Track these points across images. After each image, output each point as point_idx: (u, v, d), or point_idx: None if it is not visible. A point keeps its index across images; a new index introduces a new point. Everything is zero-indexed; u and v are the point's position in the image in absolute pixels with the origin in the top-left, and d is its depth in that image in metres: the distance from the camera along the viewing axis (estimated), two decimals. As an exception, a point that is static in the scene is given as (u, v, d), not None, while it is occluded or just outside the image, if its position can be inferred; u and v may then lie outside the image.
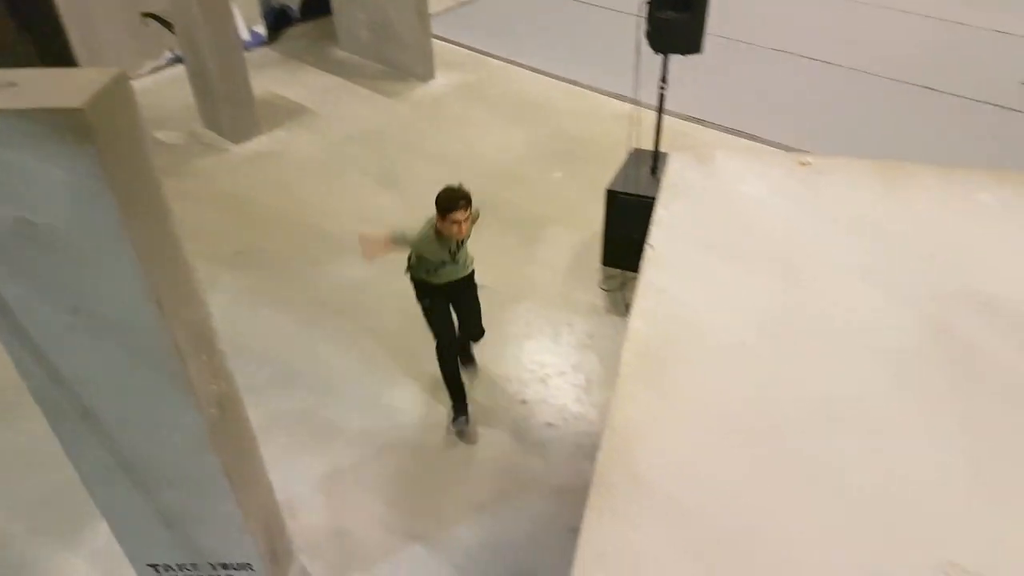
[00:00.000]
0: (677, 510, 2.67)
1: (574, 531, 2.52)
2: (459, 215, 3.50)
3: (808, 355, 3.29)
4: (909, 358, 3.29)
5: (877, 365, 3.25)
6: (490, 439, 4.04)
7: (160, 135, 6.87)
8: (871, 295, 3.63)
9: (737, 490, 2.70)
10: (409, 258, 3.86)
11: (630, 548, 2.46)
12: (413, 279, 3.91)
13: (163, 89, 7.55)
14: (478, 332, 4.20)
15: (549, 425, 4.11)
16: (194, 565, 3.09)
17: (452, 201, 3.49)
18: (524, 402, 4.25)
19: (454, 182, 3.60)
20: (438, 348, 3.99)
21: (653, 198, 4.32)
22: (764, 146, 6.37)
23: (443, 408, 4.21)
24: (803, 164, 4.51)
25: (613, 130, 6.08)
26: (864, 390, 3.12)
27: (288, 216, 5.86)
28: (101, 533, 3.35)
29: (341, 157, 6.64)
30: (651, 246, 3.86)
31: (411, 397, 4.30)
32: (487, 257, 5.32)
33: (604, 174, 5.00)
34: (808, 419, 2.98)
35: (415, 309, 5.01)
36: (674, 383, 3.03)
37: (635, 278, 3.84)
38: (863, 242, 4.04)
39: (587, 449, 3.90)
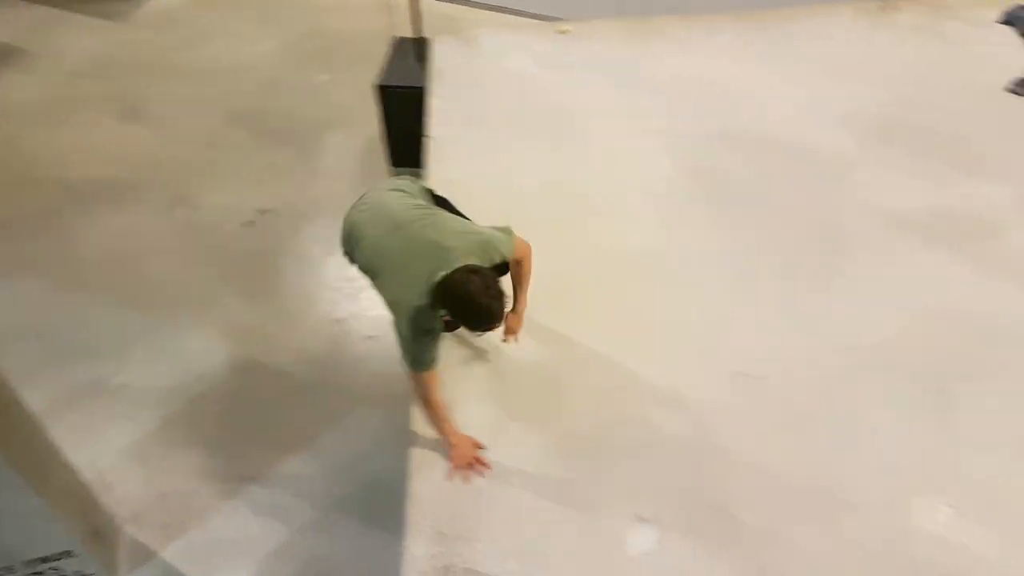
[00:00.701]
0: (508, 386, 2.87)
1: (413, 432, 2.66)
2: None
3: (596, 215, 3.55)
4: (676, 199, 3.65)
5: (652, 210, 3.59)
6: (311, 364, 4.02)
7: None
8: (639, 147, 3.95)
9: (555, 350, 2.95)
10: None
11: (462, 428, 2.63)
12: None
13: None
14: None
15: (369, 338, 4.15)
16: (8, 568, 2.90)
17: (483, 320, 2.26)
18: (339, 321, 4.24)
19: (478, 281, 2.23)
20: None
21: (424, 87, 4.33)
22: (523, 19, 6.49)
23: (248, 347, 4.11)
24: (562, 32, 4.70)
25: (371, 20, 5.94)
26: (646, 237, 3.45)
27: (19, 174, 5.22)
28: None
29: (69, 97, 5.94)
30: (431, 138, 3.91)
31: (208, 341, 4.14)
32: (264, 178, 5.14)
33: (372, 69, 4.89)
34: (605, 273, 3.26)
35: (188, 248, 4.74)
36: (475, 267, 3.18)
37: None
38: (625, 99, 4.34)
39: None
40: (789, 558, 2.37)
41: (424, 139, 3.89)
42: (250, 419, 3.80)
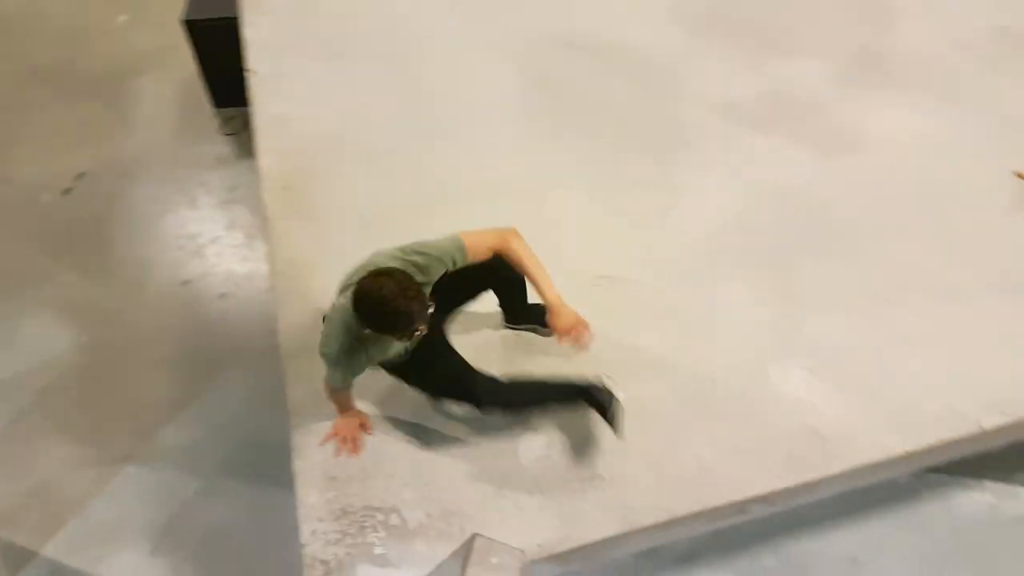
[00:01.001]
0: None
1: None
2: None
3: (441, 135, 3.55)
4: (521, 111, 3.71)
5: (499, 125, 3.63)
6: (164, 332, 3.87)
7: None
8: (480, 60, 3.94)
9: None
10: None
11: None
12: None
13: None
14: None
15: (222, 296, 4.02)
16: None
17: (401, 324, 2.06)
18: (186, 283, 4.07)
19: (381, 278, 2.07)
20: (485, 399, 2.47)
21: (238, 17, 4.09)
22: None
23: (92, 324, 3.88)
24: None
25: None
26: (496, 154, 3.49)
27: None
28: None
29: None
30: (252, 71, 3.72)
31: (47, 325, 3.89)
32: (76, 138, 4.75)
33: (175, 2, 4.56)
34: (459, 196, 3.29)
35: (5, 226, 4.34)
36: (323, 206, 3.12)
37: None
38: (459, 8, 4.28)
39: (270, 305, 3.92)
40: (666, 434, 2.59)
41: (245, 74, 3.71)
42: (110, 399, 3.65)
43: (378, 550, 2.31)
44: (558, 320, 2.35)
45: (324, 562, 2.27)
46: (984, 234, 3.30)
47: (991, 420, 2.70)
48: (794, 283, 3.07)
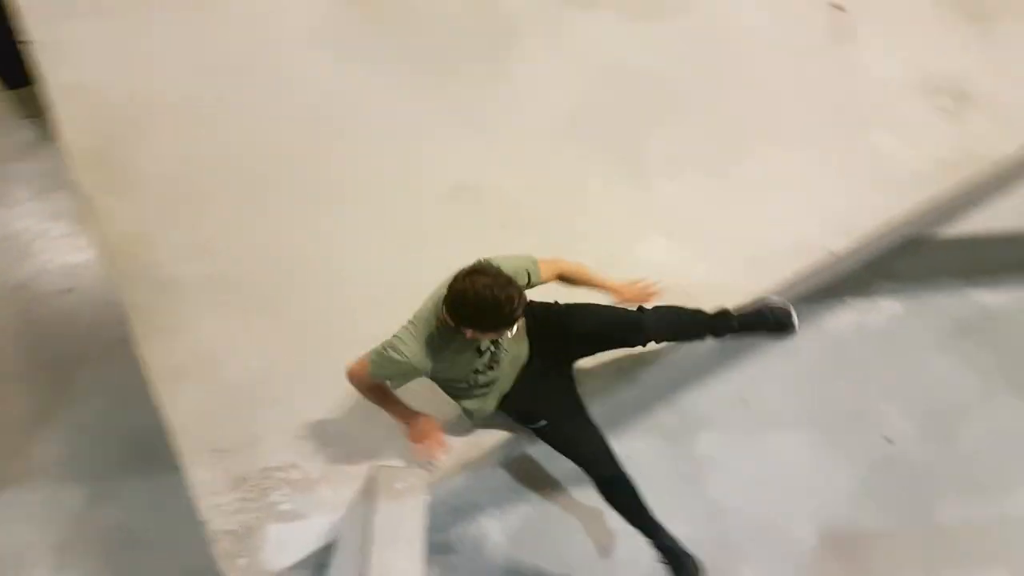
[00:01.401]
0: (222, 287, 2.76)
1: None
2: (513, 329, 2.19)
3: (258, 73, 3.36)
4: (339, 25, 3.53)
5: (318, 48, 3.45)
6: (8, 344, 3.61)
7: None
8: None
9: (266, 241, 2.88)
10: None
11: (196, 346, 2.56)
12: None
13: None
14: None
15: (68, 291, 3.78)
16: None
17: (501, 317, 2.07)
18: (20, 286, 3.78)
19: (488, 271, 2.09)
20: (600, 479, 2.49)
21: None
22: None
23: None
24: None
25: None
26: (321, 78, 3.34)
27: None
28: None
29: None
30: (31, 41, 3.39)
31: None
32: None
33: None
34: (289, 131, 3.15)
35: None
36: (143, 173, 2.93)
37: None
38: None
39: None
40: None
41: (26, 46, 3.38)
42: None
43: (285, 507, 2.30)
44: (626, 293, 2.56)
45: (230, 532, 2.25)
46: (812, 71, 3.45)
47: (839, 245, 2.89)
48: (644, 155, 3.15)
